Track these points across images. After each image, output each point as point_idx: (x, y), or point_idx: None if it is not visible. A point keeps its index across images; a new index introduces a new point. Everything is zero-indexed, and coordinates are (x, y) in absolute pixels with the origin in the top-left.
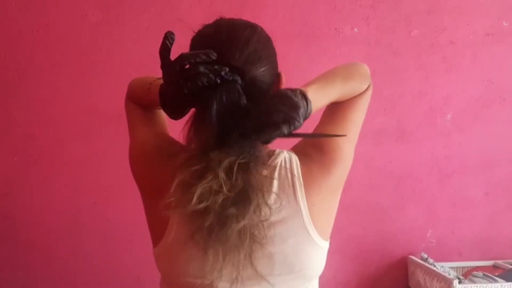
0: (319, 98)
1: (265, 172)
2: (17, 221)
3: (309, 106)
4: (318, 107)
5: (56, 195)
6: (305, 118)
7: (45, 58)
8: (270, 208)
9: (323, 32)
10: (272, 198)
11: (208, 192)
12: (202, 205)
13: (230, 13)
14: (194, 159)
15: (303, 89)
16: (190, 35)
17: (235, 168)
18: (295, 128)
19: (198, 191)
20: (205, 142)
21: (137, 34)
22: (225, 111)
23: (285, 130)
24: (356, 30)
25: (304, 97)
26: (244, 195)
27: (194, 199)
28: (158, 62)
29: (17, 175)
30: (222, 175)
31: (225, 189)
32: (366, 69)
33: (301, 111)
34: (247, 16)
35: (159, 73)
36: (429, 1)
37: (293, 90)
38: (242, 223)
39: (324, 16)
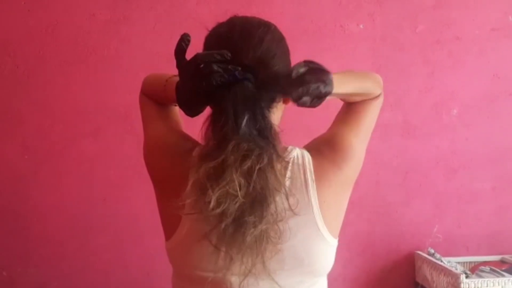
0: (336, 85)
1: (279, 168)
2: (29, 217)
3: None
4: (334, 94)
5: (67, 192)
6: (330, 91)
7: (54, 56)
8: (287, 208)
9: (328, 29)
10: (288, 197)
11: (224, 196)
12: (219, 210)
13: (236, 11)
14: (209, 156)
15: None
16: (198, 32)
17: (255, 175)
18: (329, 91)
19: (215, 196)
20: (221, 140)
21: (144, 32)
22: (239, 110)
23: (322, 88)
24: (361, 26)
25: (332, 75)
26: (262, 198)
27: (212, 205)
28: (165, 59)
29: (28, 172)
30: (240, 179)
31: (241, 194)
32: (380, 78)
33: (330, 88)
34: (253, 13)
35: (167, 70)
36: None
37: (328, 70)
38: (259, 228)
39: (329, 12)
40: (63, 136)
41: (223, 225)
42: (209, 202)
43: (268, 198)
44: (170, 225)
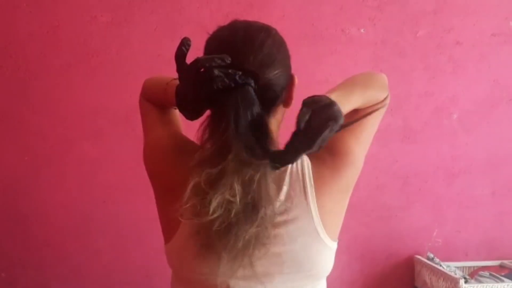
0: (341, 106)
1: (276, 175)
2: (29, 219)
3: (342, 115)
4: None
5: (67, 193)
6: (342, 123)
7: (56, 58)
8: (276, 213)
9: (329, 33)
10: (281, 200)
11: (221, 202)
12: (216, 215)
13: (237, 14)
14: (210, 161)
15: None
16: (199, 35)
17: (254, 184)
18: (341, 123)
19: (214, 203)
20: (221, 145)
21: (145, 35)
22: (239, 114)
23: (334, 127)
24: (362, 30)
25: (337, 105)
26: (254, 204)
27: (210, 211)
28: (166, 62)
29: (29, 174)
30: (238, 187)
31: (238, 200)
32: (384, 79)
33: (341, 121)
34: (254, 16)
35: (168, 73)
36: (435, 1)
37: (331, 100)
38: (250, 232)
39: (330, 17)
40: (64, 138)
41: (215, 228)
42: (208, 208)
43: (262, 206)
44: (169, 228)
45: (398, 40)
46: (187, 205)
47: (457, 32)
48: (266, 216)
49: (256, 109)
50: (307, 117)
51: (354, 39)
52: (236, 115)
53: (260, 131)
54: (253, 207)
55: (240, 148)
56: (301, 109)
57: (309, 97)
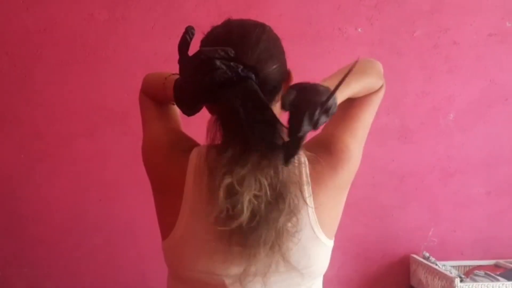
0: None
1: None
2: (24, 217)
3: (328, 91)
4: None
5: (62, 191)
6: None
7: (52, 56)
8: (304, 202)
9: (327, 32)
10: (302, 188)
11: (253, 199)
12: (247, 213)
13: (235, 13)
14: (233, 160)
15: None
16: (196, 34)
17: (276, 173)
18: (331, 111)
19: (245, 201)
20: (239, 142)
21: (142, 33)
22: (250, 109)
23: (323, 115)
24: (359, 30)
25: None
26: (280, 193)
27: (244, 211)
28: (162, 60)
29: (24, 172)
30: (263, 180)
31: (264, 195)
32: (381, 67)
33: (328, 97)
34: (252, 16)
35: (165, 71)
36: (432, 1)
37: (316, 84)
38: (281, 222)
39: (328, 16)
40: (60, 135)
41: (244, 225)
42: (240, 208)
43: (287, 194)
44: (166, 224)
45: (395, 40)
46: (220, 212)
47: (454, 32)
48: (293, 204)
49: (263, 103)
50: (291, 97)
51: (351, 39)
52: (247, 111)
53: (270, 122)
54: (278, 196)
55: (256, 140)
56: (286, 92)
57: (294, 84)
